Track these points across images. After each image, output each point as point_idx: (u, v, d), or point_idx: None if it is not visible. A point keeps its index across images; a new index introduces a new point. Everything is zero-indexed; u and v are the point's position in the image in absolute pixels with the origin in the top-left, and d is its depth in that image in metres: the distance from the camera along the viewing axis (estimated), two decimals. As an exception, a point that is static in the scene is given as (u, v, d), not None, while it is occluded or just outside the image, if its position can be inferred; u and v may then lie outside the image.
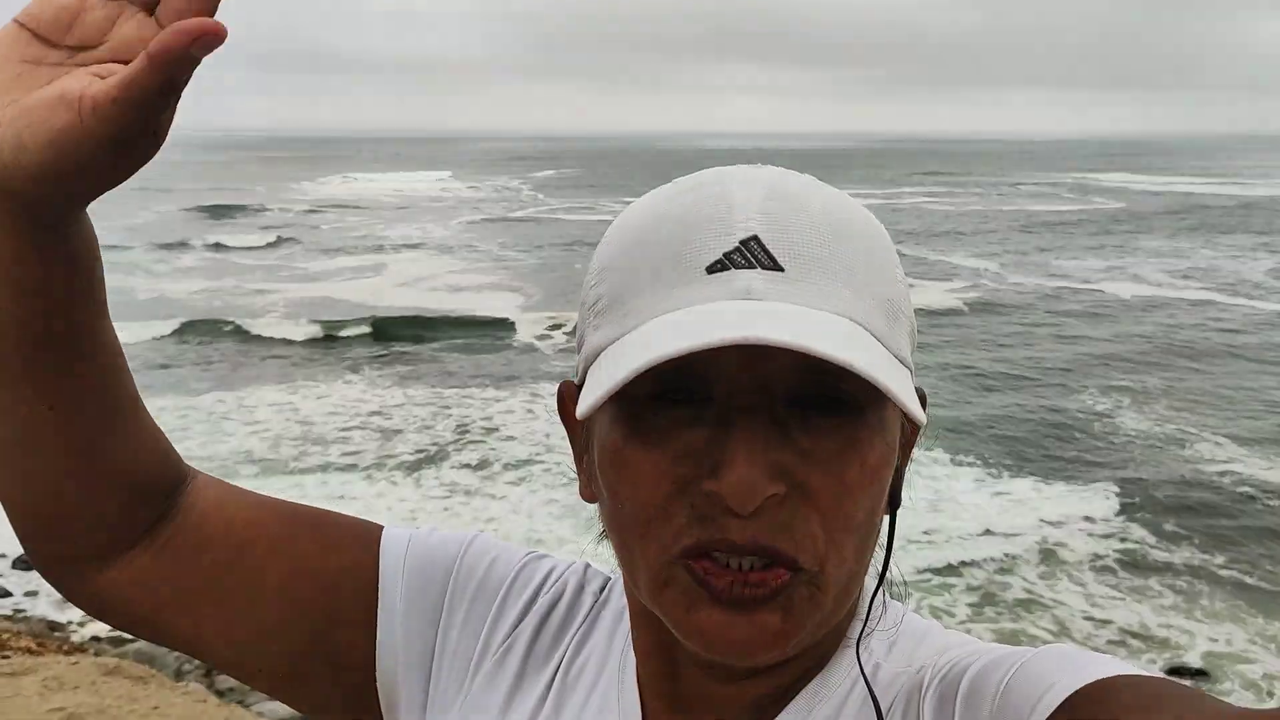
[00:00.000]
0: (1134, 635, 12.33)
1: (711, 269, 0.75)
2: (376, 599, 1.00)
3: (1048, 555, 14.46)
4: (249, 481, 15.84)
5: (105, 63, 0.73)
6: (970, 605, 13.07)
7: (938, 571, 13.83)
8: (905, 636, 0.89)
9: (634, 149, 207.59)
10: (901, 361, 0.79)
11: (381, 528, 1.05)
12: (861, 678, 0.85)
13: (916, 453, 0.92)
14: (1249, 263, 44.48)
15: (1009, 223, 61.43)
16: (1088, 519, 15.78)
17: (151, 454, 0.97)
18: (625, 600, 0.96)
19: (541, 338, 27.54)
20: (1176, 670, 11.20)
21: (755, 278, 0.74)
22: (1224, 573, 13.90)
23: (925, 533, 14.72)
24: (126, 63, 0.71)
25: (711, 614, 0.75)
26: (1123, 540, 15.01)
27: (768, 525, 0.74)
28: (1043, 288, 37.74)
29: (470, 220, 59.51)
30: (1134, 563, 14.30)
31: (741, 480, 0.72)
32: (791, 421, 0.75)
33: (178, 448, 1.04)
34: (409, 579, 1.00)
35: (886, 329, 0.78)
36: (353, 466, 17.37)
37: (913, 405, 0.73)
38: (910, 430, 0.87)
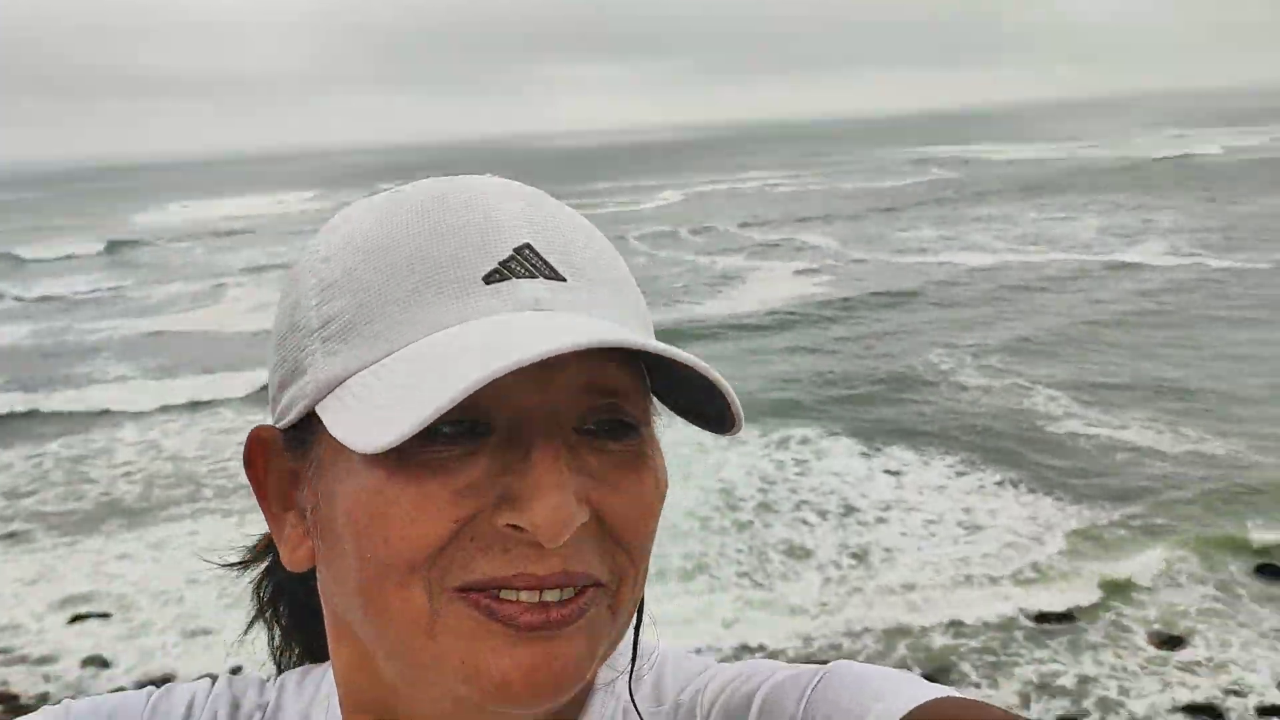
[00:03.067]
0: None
1: (490, 279, 0.70)
2: None
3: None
4: (119, 535, 15.22)
5: None
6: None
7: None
8: (659, 669, 0.87)
9: (480, 155, 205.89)
10: None
11: None
12: (622, 715, 0.82)
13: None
14: (1077, 223, 47.09)
15: (851, 200, 63.45)
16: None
17: None
18: (300, 703, 0.88)
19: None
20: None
21: (540, 288, 0.71)
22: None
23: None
24: None
25: (513, 654, 0.67)
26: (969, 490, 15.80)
27: (572, 554, 0.69)
28: (888, 261, 39.19)
29: (320, 239, 57.73)
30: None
31: (554, 510, 0.66)
32: (582, 447, 0.71)
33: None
34: None
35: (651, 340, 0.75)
36: (227, 512, 16.67)
37: (736, 403, 0.72)
38: None
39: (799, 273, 37.79)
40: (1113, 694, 10.54)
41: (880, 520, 15.01)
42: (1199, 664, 10.97)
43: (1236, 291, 29.67)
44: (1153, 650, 11.25)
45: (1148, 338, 25.01)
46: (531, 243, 0.72)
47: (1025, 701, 10.47)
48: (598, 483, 0.70)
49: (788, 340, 26.81)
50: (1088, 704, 10.37)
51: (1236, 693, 10.37)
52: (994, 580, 12.85)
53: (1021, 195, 60.68)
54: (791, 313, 29.77)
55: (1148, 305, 28.43)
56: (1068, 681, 10.78)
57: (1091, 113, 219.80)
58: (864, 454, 17.95)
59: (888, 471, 17.03)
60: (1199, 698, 10.32)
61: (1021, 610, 12.10)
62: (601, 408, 0.72)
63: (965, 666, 11.16)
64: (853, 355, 24.94)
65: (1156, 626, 11.68)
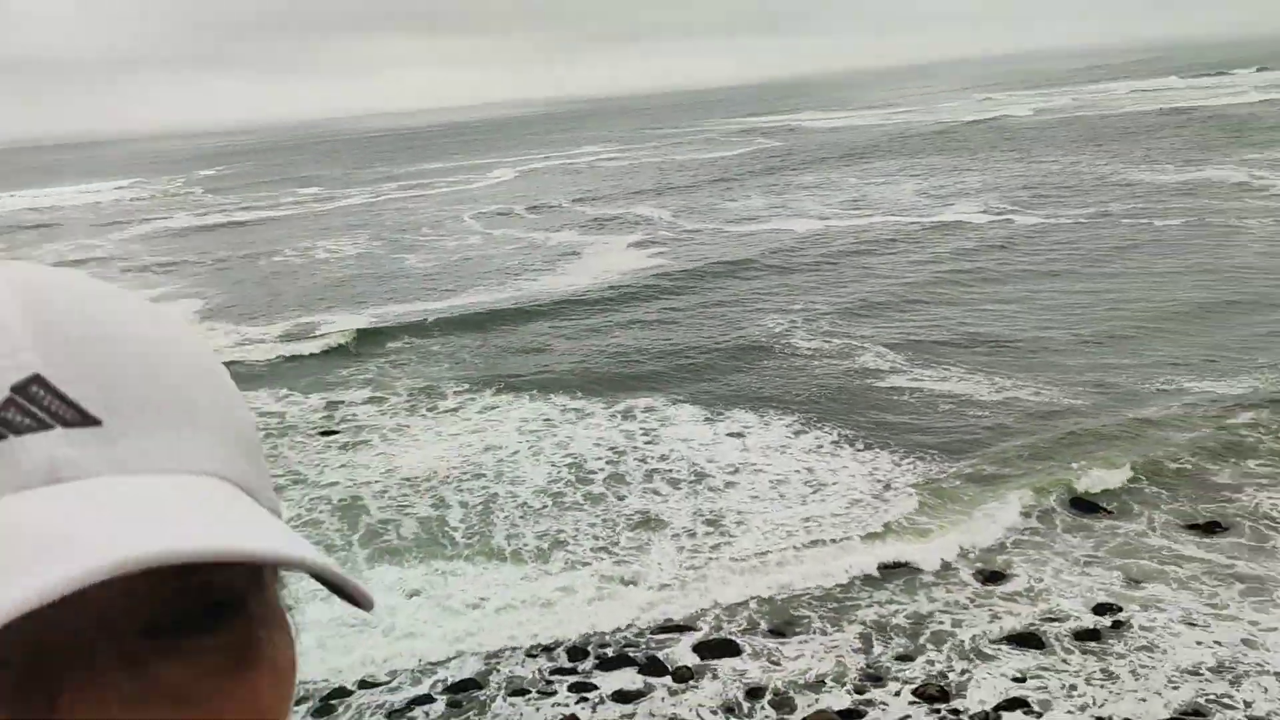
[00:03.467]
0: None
1: None
2: None
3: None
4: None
5: None
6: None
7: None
8: None
9: (306, 138, 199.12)
10: (275, 511, 0.58)
11: None
12: None
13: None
14: (897, 187, 49.16)
15: (683, 172, 64.42)
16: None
17: None
18: None
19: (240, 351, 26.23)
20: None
21: (59, 444, 0.49)
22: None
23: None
24: None
25: None
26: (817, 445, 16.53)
27: None
28: (720, 230, 40.06)
29: (140, 232, 55.14)
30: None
31: None
32: (154, 658, 0.50)
33: None
34: None
35: (252, 472, 0.57)
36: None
37: (351, 585, 0.54)
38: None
39: (635, 245, 38.23)
40: (946, 627, 11.28)
41: (730, 485, 15.48)
42: (1020, 595, 11.84)
43: (1043, 246, 31.63)
44: (978, 585, 12.08)
45: (965, 293, 26.45)
46: (44, 373, 0.50)
47: (866, 643, 11.10)
48: (180, 702, 0.51)
49: (627, 313, 27.17)
50: (923, 640, 11.06)
51: (1054, 619, 11.25)
52: (843, 538, 13.42)
53: (844, 161, 62.80)
54: (629, 286, 30.14)
55: (964, 263, 30.02)
56: (904, 621, 11.47)
57: (905, 80, 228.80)
58: (708, 419, 18.44)
59: (732, 435, 17.56)
60: (1020, 626, 11.15)
61: (866, 563, 12.69)
62: (179, 590, 0.50)
63: (811, 616, 11.71)
64: (691, 324, 25.49)
65: (980, 565, 12.52)
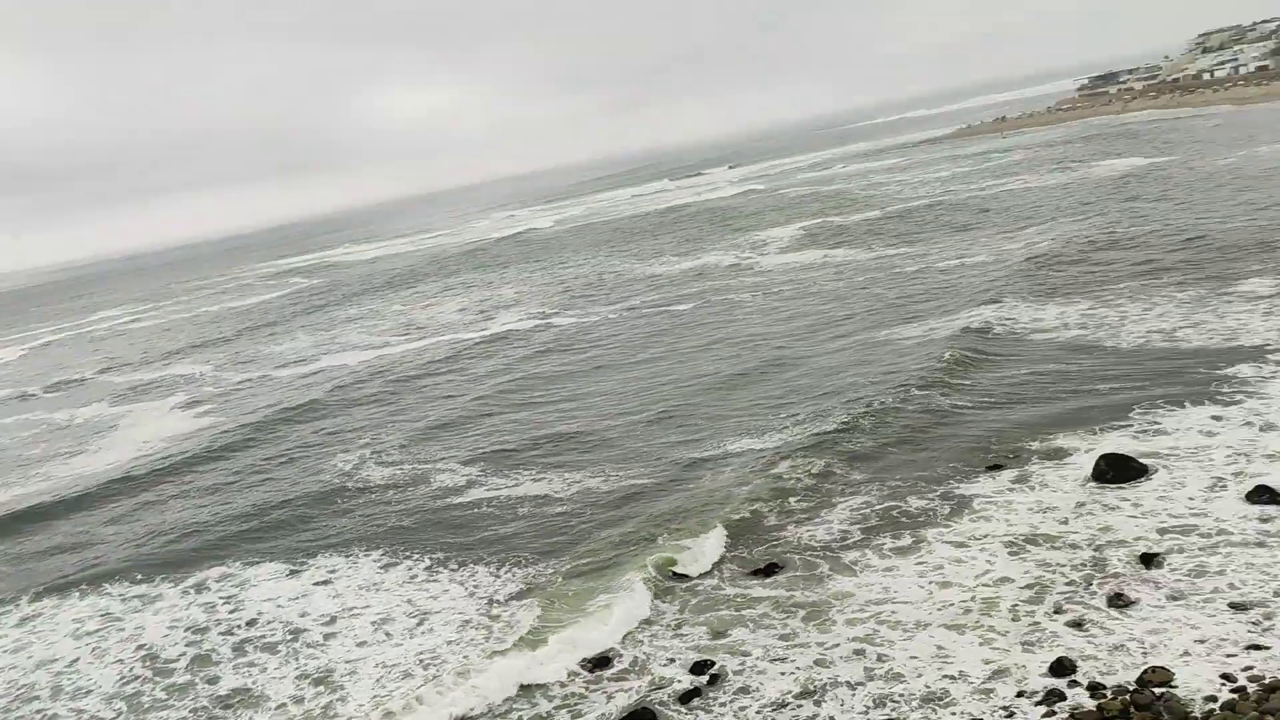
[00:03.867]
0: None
1: None
2: None
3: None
4: None
5: None
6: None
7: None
8: None
9: None
10: None
11: None
12: None
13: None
14: (440, 308, 50.38)
15: (218, 324, 61.47)
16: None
17: None
18: None
19: None
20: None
21: None
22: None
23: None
24: None
25: None
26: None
27: None
28: (270, 377, 38.63)
29: None
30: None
31: None
32: None
33: None
34: None
35: None
36: None
37: None
38: None
39: (180, 407, 35.75)
40: (566, 722, 11.55)
41: (330, 636, 14.76)
42: (627, 672, 12.44)
43: (585, 343, 33.92)
44: (588, 674, 12.53)
45: (526, 398, 27.59)
46: None
47: (495, 760, 11.06)
48: None
49: (183, 481, 25.19)
50: (548, 740, 11.23)
51: (660, 687, 11.95)
52: (462, 663, 13.24)
53: (387, 289, 63.33)
54: (182, 452, 27.99)
55: (519, 370, 31.34)
56: (526, 724, 11.60)
57: (433, 205, 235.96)
58: (292, 572, 17.54)
59: (320, 583, 16.82)
60: (631, 702, 11.69)
61: (487, 682, 12.60)
62: None
63: (436, 749, 11.47)
64: (257, 479, 24.20)
65: (587, 653, 12.99)
